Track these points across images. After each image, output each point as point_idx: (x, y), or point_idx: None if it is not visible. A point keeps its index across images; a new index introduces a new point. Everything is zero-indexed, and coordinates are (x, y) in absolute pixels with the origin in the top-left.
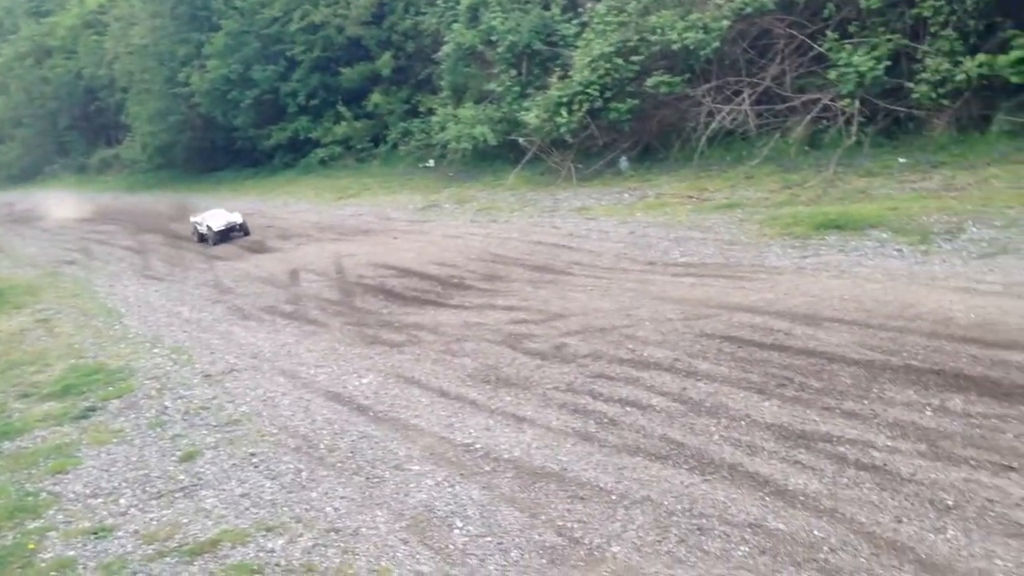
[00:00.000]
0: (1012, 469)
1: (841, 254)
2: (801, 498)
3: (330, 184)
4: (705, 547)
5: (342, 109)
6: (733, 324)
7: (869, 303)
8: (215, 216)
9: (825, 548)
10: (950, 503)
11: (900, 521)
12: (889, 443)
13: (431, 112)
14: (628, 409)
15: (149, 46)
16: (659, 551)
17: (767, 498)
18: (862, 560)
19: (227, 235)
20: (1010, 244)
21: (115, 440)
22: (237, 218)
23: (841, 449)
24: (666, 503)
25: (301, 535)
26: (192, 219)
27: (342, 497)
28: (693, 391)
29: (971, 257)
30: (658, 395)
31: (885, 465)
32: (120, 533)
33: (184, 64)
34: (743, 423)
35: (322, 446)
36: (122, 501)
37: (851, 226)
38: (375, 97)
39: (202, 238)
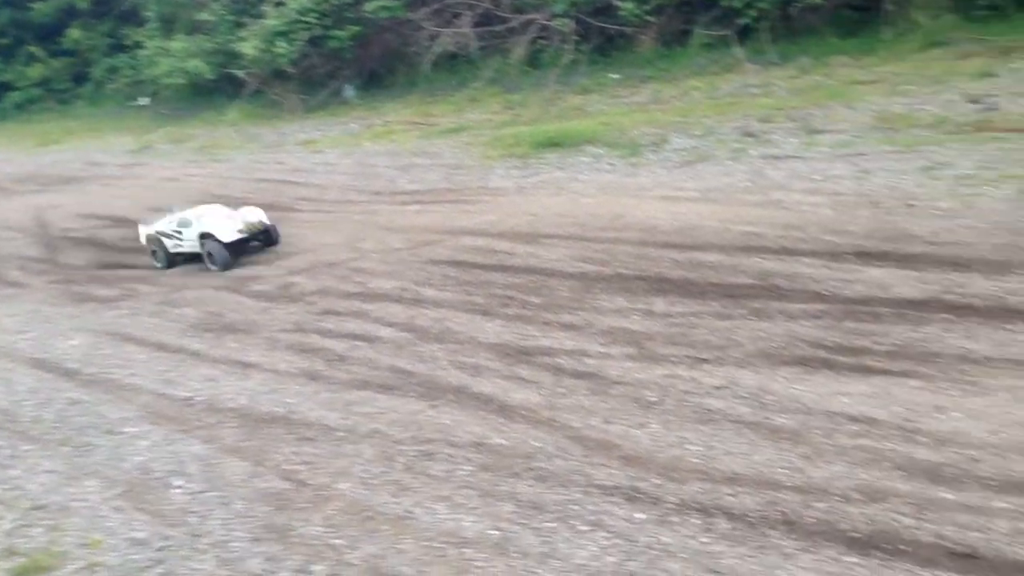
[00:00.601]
0: (705, 361)
1: (559, 171)
2: (522, 412)
3: (29, 130)
4: (430, 471)
5: (35, 48)
6: (458, 248)
7: (584, 217)
8: (217, 218)
9: (542, 456)
10: (653, 399)
11: (609, 422)
12: (601, 349)
13: (139, 46)
14: (356, 343)
15: None
16: (386, 481)
17: (490, 416)
18: (574, 463)
19: (242, 249)
20: (707, 152)
21: None
22: (259, 216)
23: (559, 360)
24: (393, 433)
25: (1, 518)
26: (146, 229)
27: (48, 471)
28: (420, 319)
29: (674, 166)
30: (386, 326)
31: (597, 371)
32: None
33: None
34: (469, 345)
35: (25, 419)
36: None
37: (568, 143)
38: (73, 32)
39: (172, 260)
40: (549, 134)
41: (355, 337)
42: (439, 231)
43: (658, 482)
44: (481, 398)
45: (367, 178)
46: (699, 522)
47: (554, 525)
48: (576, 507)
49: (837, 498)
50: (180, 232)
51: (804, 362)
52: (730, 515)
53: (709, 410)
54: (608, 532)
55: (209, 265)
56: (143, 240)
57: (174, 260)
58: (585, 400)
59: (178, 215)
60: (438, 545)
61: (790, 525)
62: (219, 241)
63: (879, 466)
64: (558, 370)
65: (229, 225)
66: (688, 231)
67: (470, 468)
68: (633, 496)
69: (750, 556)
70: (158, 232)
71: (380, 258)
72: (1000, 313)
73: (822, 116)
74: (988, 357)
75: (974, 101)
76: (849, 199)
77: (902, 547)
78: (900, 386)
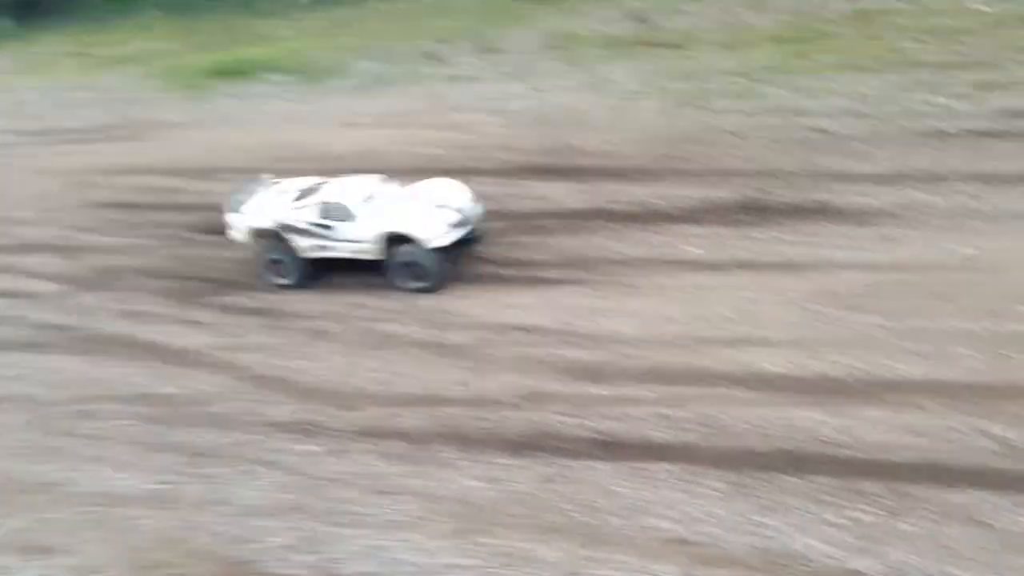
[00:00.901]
0: (385, 288)
1: (238, 101)
2: (195, 356)
3: None
4: (91, 431)
5: None
6: (124, 188)
7: (262, 148)
8: (405, 205)
9: (216, 401)
10: (332, 330)
11: (286, 358)
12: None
13: None
14: (7, 301)
15: None
16: (37, 447)
17: (161, 365)
18: (250, 403)
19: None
20: (387, 76)
21: None
22: (464, 194)
23: (235, 299)
24: (49, 395)
25: None
26: (250, 221)
27: None
28: (81, 268)
29: (354, 92)
30: (42, 279)
31: (275, 306)
32: None
33: None
34: (135, 293)
35: None
36: None
37: (249, 72)
38: None
39: (306, 272)
40: (228, 63)
41: (5, 295)
42: (104, 171)
43: (335, 413)
44: (149, 347)
45: (20, 118)
46: (373, 447)
47: (227, 471)
48: (251, 448)
49: (504, 406)
50: (328, 226)
51: (478, 279)
52: (403, 436)
53: (387, 335)
54: (283, 469)
55: (402, 283)
56: (239, 237)
57: (310, 270)
58: (261, 336)
59: (311, 196)
60: (96, 508)
61: (460, 439)
62: (428, 247)
63: (542, 372)
64: (233, 309)
65: (436, 219)
66: (368, 156)
67: (136, 422)
68: (309, 430)
69: (421, 473)
70: (282, 225)
71: (35, 206)
72: (651, 218)
73: (499, 37)
74: (641, 259)
75: (638, 19)
76: (523, 117)
77: (560, 444)
78: (565, 294)
